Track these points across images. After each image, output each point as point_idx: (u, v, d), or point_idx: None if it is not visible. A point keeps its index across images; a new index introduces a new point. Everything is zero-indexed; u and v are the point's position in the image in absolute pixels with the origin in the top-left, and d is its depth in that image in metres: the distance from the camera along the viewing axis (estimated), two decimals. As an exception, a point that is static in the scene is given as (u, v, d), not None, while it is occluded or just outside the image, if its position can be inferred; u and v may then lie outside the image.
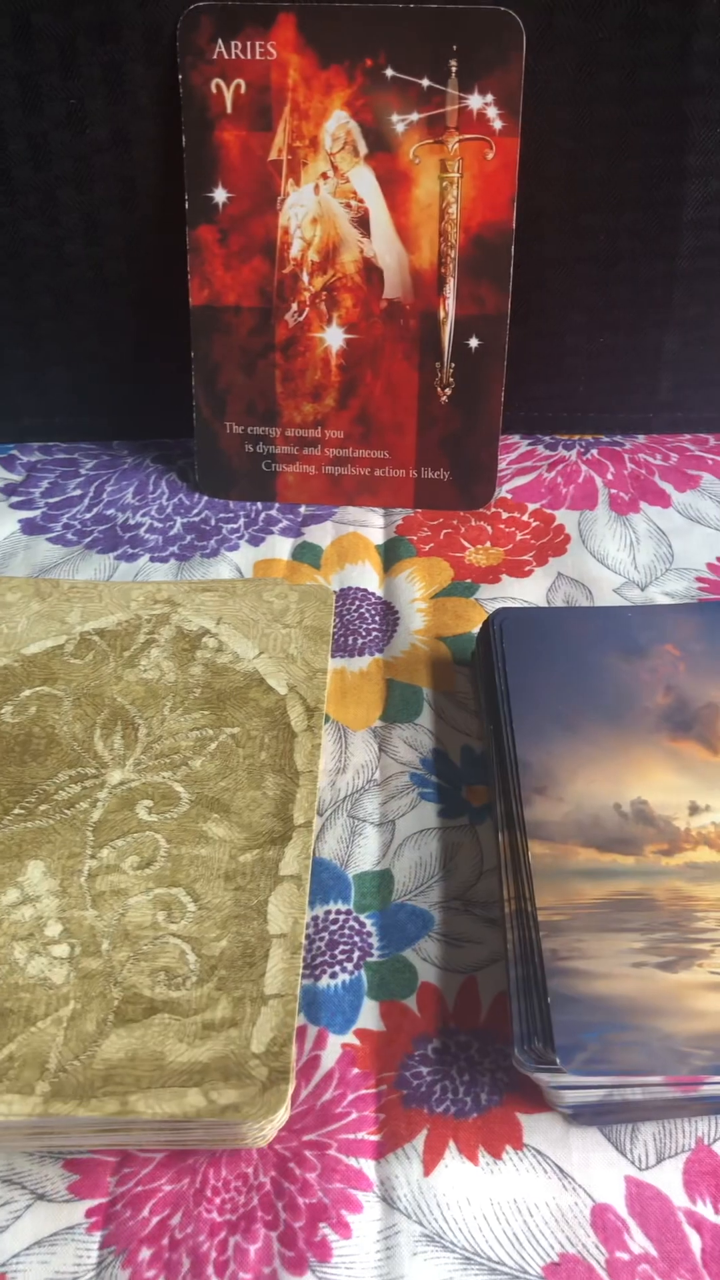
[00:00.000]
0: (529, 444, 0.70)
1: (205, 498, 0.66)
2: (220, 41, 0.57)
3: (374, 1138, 0.38)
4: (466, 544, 0.62)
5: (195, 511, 0.65)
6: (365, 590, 0.59)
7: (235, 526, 0.64)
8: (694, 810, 0.43)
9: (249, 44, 0.57)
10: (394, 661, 0.55)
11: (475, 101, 0.57)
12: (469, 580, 0.60)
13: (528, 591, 0.59)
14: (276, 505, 0.66)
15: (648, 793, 0.44)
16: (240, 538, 0.63)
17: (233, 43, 0.57)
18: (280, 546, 0.63)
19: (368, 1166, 0.38)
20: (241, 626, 0.53)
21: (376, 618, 0.58)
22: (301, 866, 0.43)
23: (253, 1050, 0.37)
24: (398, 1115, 0.39)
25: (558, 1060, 0.36)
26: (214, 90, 0.58)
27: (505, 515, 0.64)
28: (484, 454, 0.63)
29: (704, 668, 0.48)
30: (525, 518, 0.64)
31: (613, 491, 0.65)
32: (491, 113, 0.57)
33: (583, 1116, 0.38)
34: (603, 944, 0.39)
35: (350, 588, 0.60)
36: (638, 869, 0.42)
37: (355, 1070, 0.40)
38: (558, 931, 0.39)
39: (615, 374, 0.67)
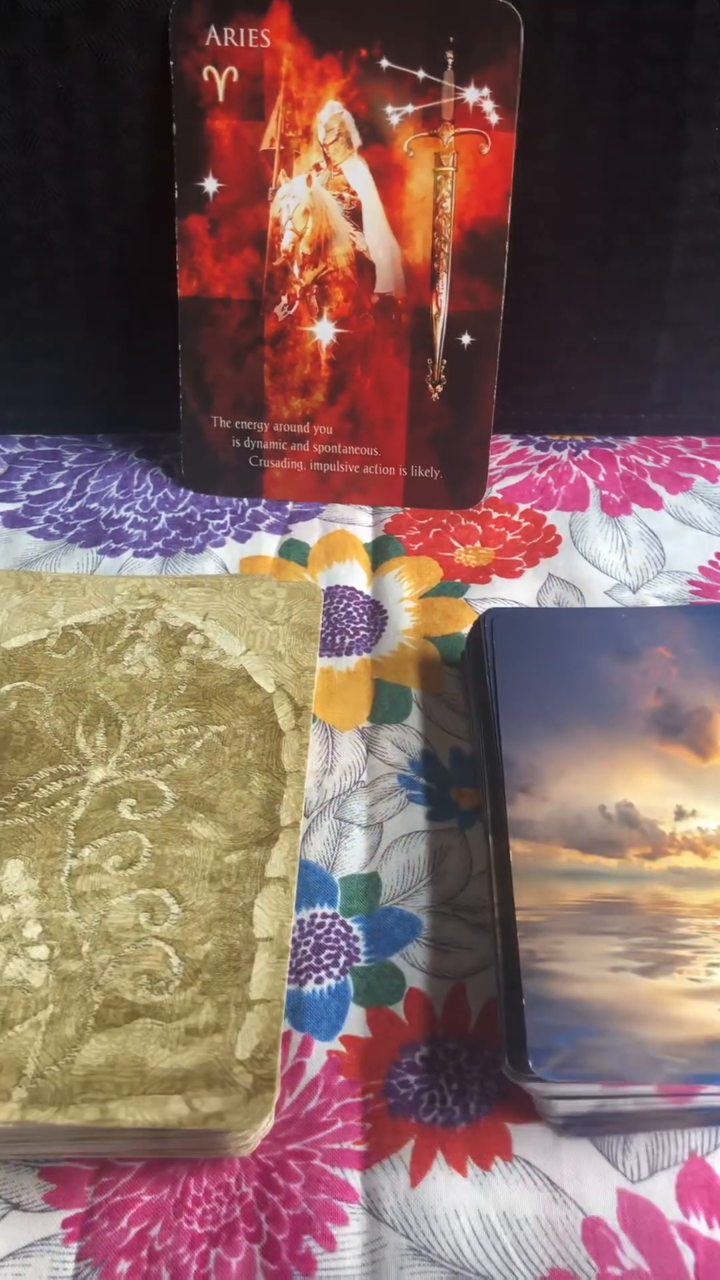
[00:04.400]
0: (520, 444, 0.69)
1: (191, 493, 0.65)
2: (213, 28, 0.56)
3: (360, 1148, 0.37)
4: (456, 543, 0.61)
5: (180, 507, 0.64)
6: (353, 589, 0.58)
7: (221, 523, 0.63)
8: (680, 815, 0.43)
9: (242, 31, 0.56)
10: (382, 661, 0.54)
11: (471, 95, 0.56)
12: (458, 580, 0.59)
13: (518, 592, 0.58)
14: (263, 501, 0.65)
15: (634, 796, 0.43)
16: (226, 534, 0.62)
17: (225, 29, 0.56)
18: (267, 544, 0.62)
19: (353, 1177, 0.37)
20: (228, 623, 0.52)
21: (364, 617, 0.57)
22: (288, 868, 0.42)
23: (237, 1057, 0.36)
24: (384, 1125, 0.38)
25: (529, 1063, 0.35)
26: (206, 78, 0.57)
27: (496, 515, 0.63)
28: (475, 453, 0.62)
29: (697, 671, 0.48)
30: (516, 518, 0.63)
31: (604, 493, 0.65)
32: (488, 106, 0.56)
33: (574, 1128, 0.37)
34: (581, 947, 0.38)
35: (338, 586, 0.59)
36: (620, 872, 0.41)
37: (341, 1078, 0.39)
38: (536, 933, 0.39)
39: (608, 374, 0.66)
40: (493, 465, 0.66)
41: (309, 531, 0.62)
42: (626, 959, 0.38)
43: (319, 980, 0.42)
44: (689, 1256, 0.35)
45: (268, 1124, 0.36)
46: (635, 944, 0.38)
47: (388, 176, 0.58)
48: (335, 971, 0.42)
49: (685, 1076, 0.35)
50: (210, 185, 0.59)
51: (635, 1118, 0.37)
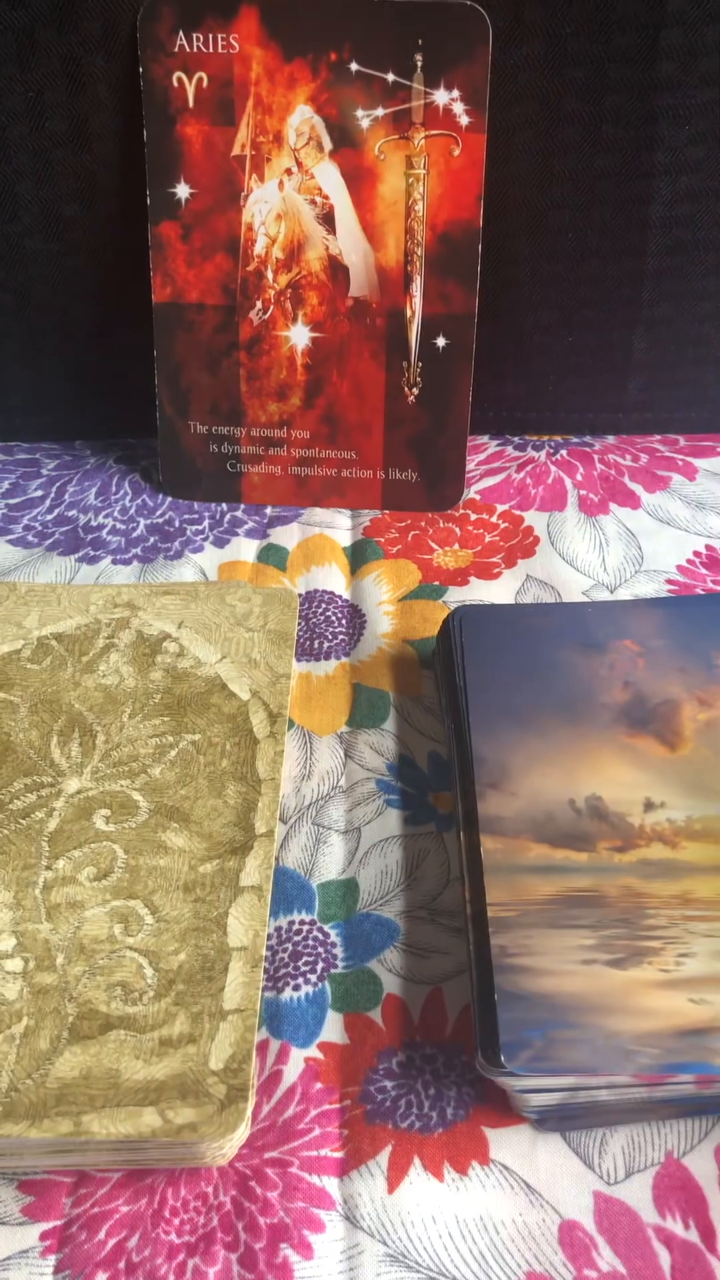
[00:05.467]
0: (498, 444, 0.69)
1: (169, 499, 0.65)
2: (181, 33, 0.56)
3: (337, 1154, 0.37)
4: (435, 546, 0.61)
5: (159, 513, 0.64)
6: (332, 593, 0.58)
7: (200, 528, 0.63)
8: (649, 807, 0.43)
9: (210, 36, 0.56)
10: (360, 665, 0.54)
11: (441, 97, 0.56)
12: (437, 583, 0.59)
13: (496, 594, 0.58)
14: (242, 506, 0.65)
15: (603, 789, 0.43)
16: (205, 539, 0.62)
17: (194, 35, 0.56)
18: (245, 548, 0.62)
19: (330, 1184, 0.37)
20: (203, 631, 0.52)
21: (343, 621, 0.57)
22: (263, 877, 0.42)
23: (211, 1067, 0.36)
24: (361, 1131, 0.38)
25: (502, 1057, 0.35)
26: (175, 84, 0.57)
27: (474, 517, 0.63)
28: (452, 454, 0.62)
29: (663, 663, 0.48)
30: (494, 519, 0.63)
31: (582, 493, 0.65)
32: (458, 108, 0.56)
33: (548, 1122, 0.37)
34: (552, 941, 0.39)
35: (316, 590, 0.59)
36: (590, 865, 0.41)
37: (318, 1085, 0.39)
38: (507, 928, 0.39)
39: (584, 374, 0.66)
40: (471, 466, 0.66)
41: (288, 536, 0.62)
42: (597, 951, 0.38)
43: (296, 987, 0.42)
44: (665, 1258, 0.35)
45: (243, 1133, 0.36)
46: (606, 936, 0.39)
47: (359, 180, 0.58)
48: (313, 978, 0.42)
49: (656, 1067, 0.35)
50: (182, 191, 0.59)
51: (610, 1109, 0.37)
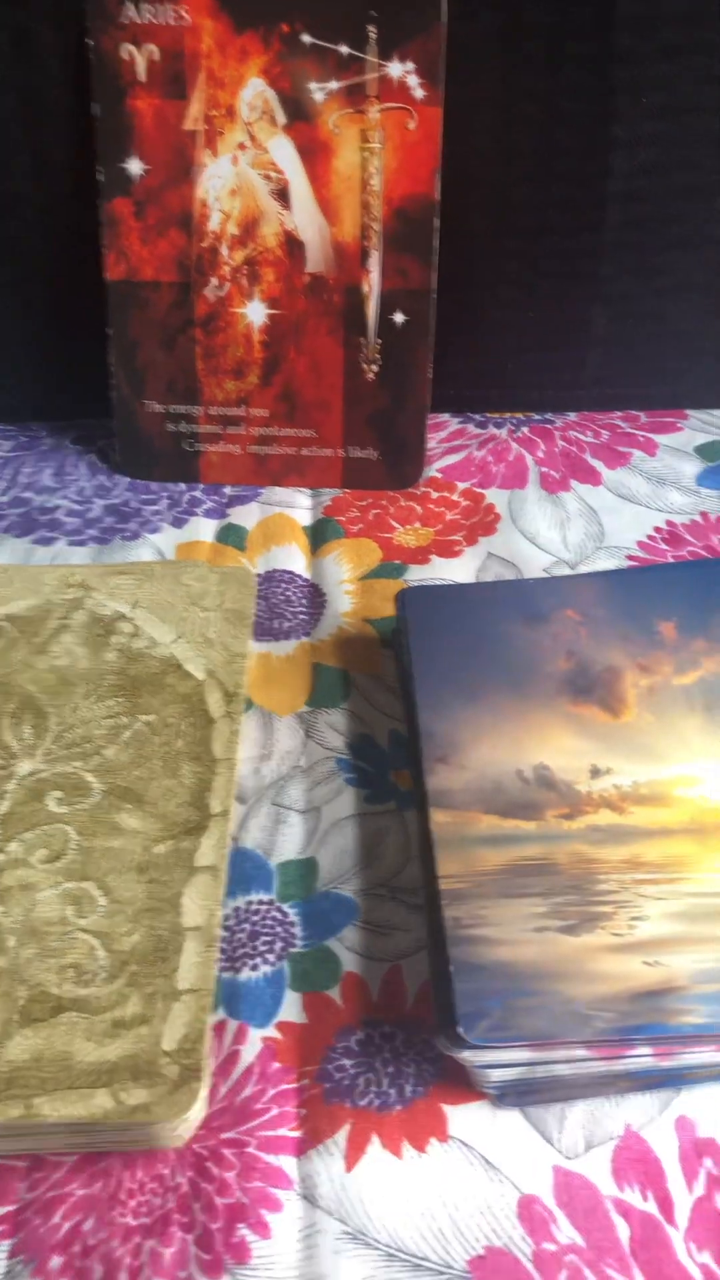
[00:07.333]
0: (459, 422, 0.68)
1: (126, 479, 0.64)
2: (130, 5, 0.55)
3: (295, 1134, 0.37)
4: (396, 524, 0.61)
5: (115, 493, 0.63)
6: (292, 573, 0.58)
7: (157, 508, 0.62)
8: (595, 773, 0.43)
9: (160, 7, 0.55)
10: (321, 645, 0.54)
11: (396, 69, 0.55)
12: (398, 561, 0.58)
13: (457, 572, 0.58)
14: (200, 486, 0.64)
15: (549, 757, 0.44)
16: (162, 520, 0.61)
17: (143, 6, 0.55)
18: (204, 529, 0.61)
19: (288, 1164, 0.36)
20: (158, 610, 0.51)
21: (303, 600, 0.56)
22: (218, 857, 0.41)
23: (164, 1048, 0.36)
24: (319, 1110, 0.37)
25: (460, 1029, 0.35)
26: (126, 56, 0.56)
27: (435, 495, 0.63)
28: (413, 432, 0.62)
29: (605, 632, 0.48)
30: (455, 497, 0.63)
31: (543, 470, 0.64)
32: (413, 81, 0.55)
33: (509, 1097, 0.37)
34: (505, 910, 0.39)
35: (276, 570, 0.58)
36: (539, 834, 0.41)
37: (276, 1065, 0.39)
38: (460, 900, 0.39)
39: (543, 350, 0.66)
40: (432, 444, 0.66)
41: (247, 515, 0.62)
42: (550, 919, 0.38)
43: (254, 967, 0.41)
44: (624, 1230, 0.35)
45: (198, 1114, 0.36)
46: (558, 903, 0.39)
47: (314, 154, 0.57)
48: (271, 958, 0.42)
49: (613, 1030, 0.35)
50: (135, 167, 0.58)
51: (569, 1084, 0.37)
